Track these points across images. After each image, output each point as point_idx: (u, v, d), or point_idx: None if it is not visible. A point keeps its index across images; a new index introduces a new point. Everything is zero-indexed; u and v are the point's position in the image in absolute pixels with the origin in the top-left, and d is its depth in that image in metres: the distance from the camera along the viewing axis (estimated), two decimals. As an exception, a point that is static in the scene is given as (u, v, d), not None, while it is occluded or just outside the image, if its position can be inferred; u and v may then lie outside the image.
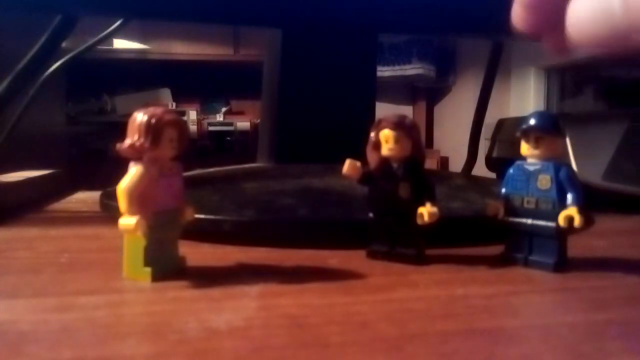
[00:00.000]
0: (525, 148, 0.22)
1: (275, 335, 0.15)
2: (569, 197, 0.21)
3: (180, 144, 0.20)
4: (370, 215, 0.23)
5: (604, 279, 0.21)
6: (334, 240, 0.25)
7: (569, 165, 0.22)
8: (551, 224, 0.21)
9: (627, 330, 0.16)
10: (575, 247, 0.23)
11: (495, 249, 0.23)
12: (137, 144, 0.19)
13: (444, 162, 1.91)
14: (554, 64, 1.46)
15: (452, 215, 0.27)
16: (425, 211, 0.21)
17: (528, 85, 1.55)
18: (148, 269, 0.19)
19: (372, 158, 0.23)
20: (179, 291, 0.18)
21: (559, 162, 0.22)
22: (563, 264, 0.22)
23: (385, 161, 0.23)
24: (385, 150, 0.22)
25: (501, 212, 0.23)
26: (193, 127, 1.89)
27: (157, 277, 0.19)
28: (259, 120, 0.43)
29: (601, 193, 0.44)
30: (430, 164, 1.81)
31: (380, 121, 0.22)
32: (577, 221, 0.20)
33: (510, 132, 0.61)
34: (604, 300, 0.18)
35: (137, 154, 0.19)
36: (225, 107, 2.06)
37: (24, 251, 0.24)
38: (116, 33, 0.41)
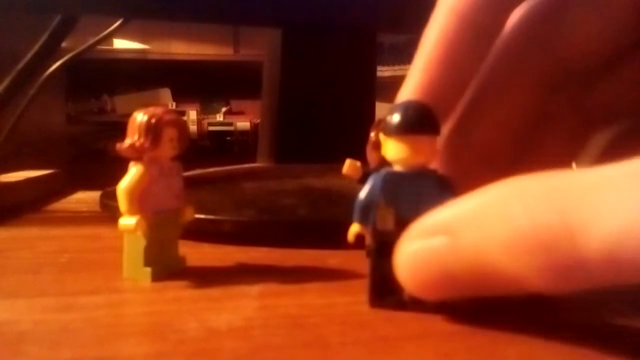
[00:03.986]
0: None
1: (275, 335, 0.15)
2: None
3: (180, 144, 0.20)
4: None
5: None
6: (334, 240, 0.25)
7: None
8: None
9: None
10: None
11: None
12: (137, 144, 0.19)
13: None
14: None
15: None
16: None
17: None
18: (148, 269, 0.19)
19: (372, 158, 0.23)
20: (179, 291, 0.18)
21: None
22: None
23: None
24: (385, 150, 0.22)
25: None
26: (193, 127, 1.89)
27: (157, 277, 0.19)
28: (259, 120, 0.43)
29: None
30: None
31: (380, 121, 0.22)
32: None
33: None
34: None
35: (137, 154, 0.19)
36: (225, 107, 2.06)
37: (24, 251, 0.24)
38: (116, 33, 0.41)
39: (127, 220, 0.19)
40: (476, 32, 0.17)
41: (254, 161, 0.40)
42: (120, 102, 1.90)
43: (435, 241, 0.14)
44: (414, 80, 0.18)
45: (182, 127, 0.20)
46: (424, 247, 0.14)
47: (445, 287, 0.14)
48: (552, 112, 0.19)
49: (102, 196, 0.33)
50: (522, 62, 0.18)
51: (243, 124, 1.95)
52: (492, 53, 0.18)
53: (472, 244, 0.13)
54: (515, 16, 0.18)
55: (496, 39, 0.18)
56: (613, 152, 0.19)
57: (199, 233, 0.25)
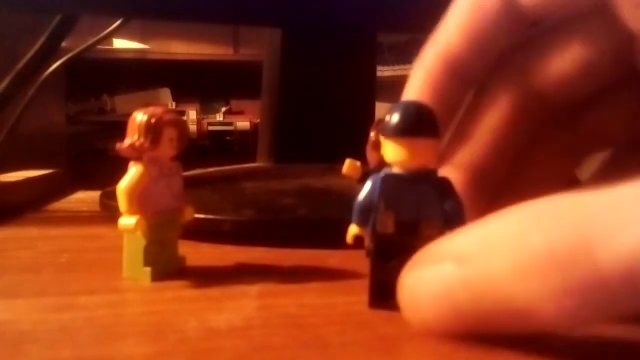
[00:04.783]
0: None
1: (275, 335, 0.15)
2: None
3: (180, 144, 0.20)
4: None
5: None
6: (334, 240, 0.25)
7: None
8: None
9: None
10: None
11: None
12: (137, 144, 0.19)
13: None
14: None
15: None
16: None
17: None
18: (148, 269, 0.19)
19: (372, 158, 0.23)
20: (179, 291, 0.18)
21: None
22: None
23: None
24: (385, 150, 0.22)
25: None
26: (193, 127, 1.89)
27: (157, 277, 0.19)
28: (259, 120, 0.43)
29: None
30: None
31: (380, 121, 0.22)
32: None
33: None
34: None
35: (137, 154, 0.19)
36: (225, 107, 2.06)
37: (24, 251, 0.24)
38: (116, 33, 0.41)
39: (127, 220, 0.19)
40: (461, 79, 0.18)
41: (254, 161, 0.40)
42: (120, 102, 1.90)
43: (444, 269, 0.13)
44: None
45: (182, 127, 0.20)
46: (431, 274, 0.14)
47: (452, 320, 0.14)
48: (544, 134, 0.19)
49: (102, 196, 0.33)
50: (507, 96, 0.18)
51: (243, 124, 1.95)
52: (481, 82, 0.19)
53: (483, 272, 0.13)
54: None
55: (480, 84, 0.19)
56: (613, 168, 0.19)
57: (199, 233, 0.25)
